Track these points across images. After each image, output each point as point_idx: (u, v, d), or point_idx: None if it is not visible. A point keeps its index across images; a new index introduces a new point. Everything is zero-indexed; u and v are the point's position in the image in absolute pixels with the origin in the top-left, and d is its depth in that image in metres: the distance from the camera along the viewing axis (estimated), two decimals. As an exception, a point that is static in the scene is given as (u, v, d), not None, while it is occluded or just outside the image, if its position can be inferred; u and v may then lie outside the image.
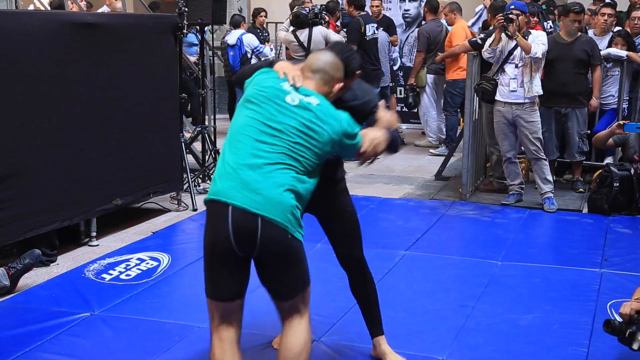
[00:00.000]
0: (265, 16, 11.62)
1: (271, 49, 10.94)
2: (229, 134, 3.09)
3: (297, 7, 8.91)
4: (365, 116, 3.44)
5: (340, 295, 4.61)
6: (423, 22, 9.97)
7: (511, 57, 6.65)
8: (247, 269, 3.08)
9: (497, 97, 6.76)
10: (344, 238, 3.70)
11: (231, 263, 3.03)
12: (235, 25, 10.57)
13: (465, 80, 7.43)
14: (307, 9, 8.80)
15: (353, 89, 3.40)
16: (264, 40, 11.40)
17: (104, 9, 9.39)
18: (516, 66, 6.64)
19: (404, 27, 11.03)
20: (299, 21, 8.53)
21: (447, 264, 5.17)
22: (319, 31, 8.52)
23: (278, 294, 3.16)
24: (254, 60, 10.25)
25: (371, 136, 3.26)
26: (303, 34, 8.50)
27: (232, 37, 10.18)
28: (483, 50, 6.85)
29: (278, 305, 3.19)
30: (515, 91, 6.65)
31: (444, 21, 9.62)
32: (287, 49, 9.31)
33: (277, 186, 2.93)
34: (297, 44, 8.48)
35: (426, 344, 4.00)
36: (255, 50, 10.14)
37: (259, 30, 11.18)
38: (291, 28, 8.71)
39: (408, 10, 11.02)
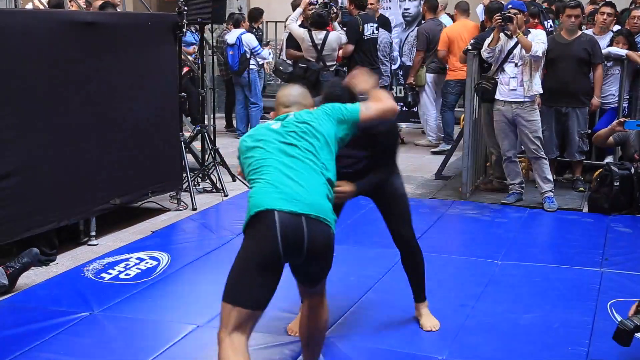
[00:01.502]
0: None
1: (269, 53, 10.91)
2: (250, 170, 3.26)
3: (312, 6, 8.71)
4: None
5: (340, 294, 4.61)
6: (422, 22, 9.95)
7: (511, 56, 6.64)
8: (279, 279, 3.14)
9: (497, 96, 6.76)
10: (395, 218, 4.07)
11: (269, 273, 3.09)
12: (236, 23, 10.56)
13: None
14: (315, 0, 8.70)
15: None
16: (259, 39, 11.39)
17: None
18: (516, 65, 6.63)
19: (404, 26, 11.01)
20: (320, 21, 8.42)
21: (447, 264, 5.16)
22: (335, 36, 8.46)
23: (309, 282, 3.35)
24: (252, 61, 10.23)
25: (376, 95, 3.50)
26: (319, 36, 8.42)
27: (231, 37, 10.18)
28: (482, 50, 6.84)
29: (304, 288, 3.41)
30: (515, 90, 6.64)
31: (442, 19, 9.60)
32: (287, 47, 9.26)
33: (315, 191, 3.14)
34: (311, 44, 8.40)
35: (426, 344, 4.00)
36: (253, 51, 10.13)
37: (254, 30, 11.17)
38: (297, 24, 8.58)
39: (408, 9, 10.99)
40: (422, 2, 10.28)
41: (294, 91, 3.50)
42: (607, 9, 7.79)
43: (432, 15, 9.45)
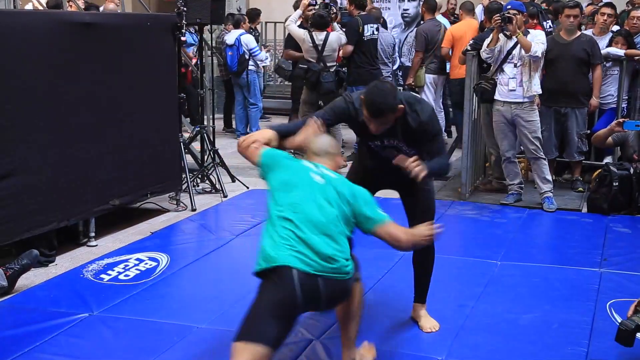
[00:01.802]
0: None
1: (266, 57, 10.87)
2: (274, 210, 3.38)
3: (312, 7, 8.70)
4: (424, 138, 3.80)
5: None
6: (422, 22, 9.95)
7: (510, 56, 6.65)
8: (292, 328, 3.33)
9: (496, 96, 6.76)
10: (417, 213, 4.02)
11: (285, 322, 3.24)
12: (236, 24, 10.55)
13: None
14: (314, 1, 8.69)
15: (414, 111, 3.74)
16: (256, 40, 11.37)
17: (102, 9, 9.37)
18: (515, 65, 6.63)
19: (403, 26, 11.02)
20: (322, 22, 8.41)
21: (446, 264, 5.16)
22: (335, 37, 8.47)
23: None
24: (251, 62, 10.22)
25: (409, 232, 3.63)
26: (320, 37, 8.42)
27: (230, 37, 10.18)
28: (481, 50, 6.84)
29: None
30: (514, 90, 6.64)
31: (439, 18, 9.60)
32: (285, 47, 9.27)
33: (330, 249, 3.28)
34: (311, 45, 8.40)
35: (425, 344, 4.00)
36: (251, 52, 10.11)
37: (251, 30, 11.17)
38: (295, 24, 8.58)
39: (407, 9, 10.99)
40: (422, 3, 10.28)
41: (325, 141, 3.63)
42: (608, 10, 7.80)
43: (431, 16, 9.44)
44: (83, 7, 8.42)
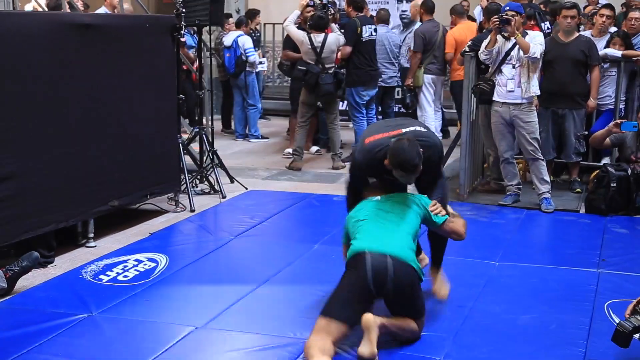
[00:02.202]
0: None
1: (261, 62, 10.80)
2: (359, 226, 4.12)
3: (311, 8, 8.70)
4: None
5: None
6: (420, 23, 9.96)
7: (508, 57, 6.66)
8: (367, 309, 3.87)
9: (495, 97, 6.77)
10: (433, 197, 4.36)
11: (361, 302, 3.87)
12: (238, 24, 10.57)
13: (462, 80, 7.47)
14: (313, 2, 8.69)
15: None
16: (256, 41, 11.37)
17: (102, 10, 9.37)
18: (513, 67, 6.64)
19: (401, 27, 11.03)
20: (320, 24, 8.41)
21: (445, 265, 5.15)
22: (334, 38, 8.48)
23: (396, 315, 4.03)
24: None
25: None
26: (318, 38, 8.43)
27: (228, 39, 10.19)
28: (479, 52, 6.85)
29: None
30: (512, 91, 6.65)
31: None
32: (284, 48, 9.27)
33: (401, 242, 4.02)
34: (310, 47, 8.40)
35: (424, 345, 4.00)
36: (245, 52, 10.10)
37: (252, 31, 11.17)
38: (292, 26, 8.58)
39: (405, 11, 11.01)
40: (419, 4, 10.32)
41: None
42: (606, 11, 7.81)
43: (429, 17, 9.47)
44: (82, 9, 8.42)
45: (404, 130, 4.20)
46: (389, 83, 9.56)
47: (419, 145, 4.06)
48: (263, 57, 11.35)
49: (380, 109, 9.64)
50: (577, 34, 7.36)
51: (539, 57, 6.55)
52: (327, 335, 3.73)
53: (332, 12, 8.73)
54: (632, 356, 3.90)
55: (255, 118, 10.53)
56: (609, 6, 8.08)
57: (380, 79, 9.26)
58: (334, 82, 8.42)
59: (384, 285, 3.86)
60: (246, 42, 10.16)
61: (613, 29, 8.02)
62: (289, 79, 10.08)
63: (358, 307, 3.82)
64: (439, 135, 9.57)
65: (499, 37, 6.61)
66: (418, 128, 4.29)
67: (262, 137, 10.58)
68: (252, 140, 10.48)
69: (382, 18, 9.57)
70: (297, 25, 8.70)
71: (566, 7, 7.22)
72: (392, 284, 3.85)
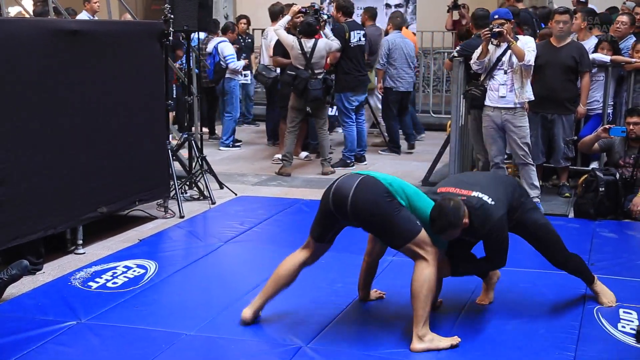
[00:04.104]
0: (246, 23, 11.59)
1: (244, 75, 10.67)
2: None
3: (299, 14, 8.78)
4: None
5: (329, 301, 4.62)
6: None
7: (500, 63, 6.66)
8: (334, 224, 4.15)
9: (487, 102, 6.77)
10: (546, 249, 4.53)
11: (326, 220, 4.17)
12: (224, 30, 10.55)
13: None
14: (305, 9, 8.72)
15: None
16: (247, 47, 11.34)
17: (83, 15, 9.36)
18: (505, 72, 6.65)
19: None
20: (309, 30, 8.44)
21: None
22: (324, 44, 8.51)
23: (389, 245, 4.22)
24: (229, 70, 10.16)
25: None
26: (308, 44, 8.44)
27: (210, 45, 10.12)
28: (471, 62, 6.85)
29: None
30: (504, 97, 6.65)
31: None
32: (274, 54, 9.27)
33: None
34: (300, 52, 8.42)
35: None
36: (225, 59, 10.05)
37: (240, 38, 11.15)
38: (283, 30, 8.59)
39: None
40: (409, 10, 10.44)
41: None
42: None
43: (371, 22, 10.01)
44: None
45: (474, 193, 4.12)
46: (407, 88, 9.92)
47: (462, 212, 3.99)
48: (256, 60, 11.28)
49: (396, 113, 10.00)
50: (569, 40, 7.38)
51: (532, 63, 6.56)
52: (305, 248, 4.25)
53: (324, 18, 8.76)
54: (622, 360, 3.92)
55: (230, 126, 10.36)
56: (627, 13, 8.08)
57: (399, 84, 9.76)
58: (323, 87, 8.44)
59: (344, 205, 3.96)
60: (225, 48, 10.08)
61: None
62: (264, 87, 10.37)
63: (326, 224, 4.15)
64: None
65: (490, 46, 6.60)
66: (485, 198, 4.11)
67: (234, 146, 10.38)
68: (222, 148, 10.26)
69: (397, 24, 9.94)
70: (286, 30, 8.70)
71: (559, 12, 7.23)
72: (351, 204, 3.93)
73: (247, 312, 4.28)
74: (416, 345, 3.97)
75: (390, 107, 9.86)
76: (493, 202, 4.12)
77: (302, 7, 8.72)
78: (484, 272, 4.54)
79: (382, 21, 11.12)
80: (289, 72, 8.49)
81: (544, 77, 7.18)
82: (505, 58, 6.62)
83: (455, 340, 4.04)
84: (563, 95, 7.23)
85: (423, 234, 4.00)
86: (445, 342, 4.01)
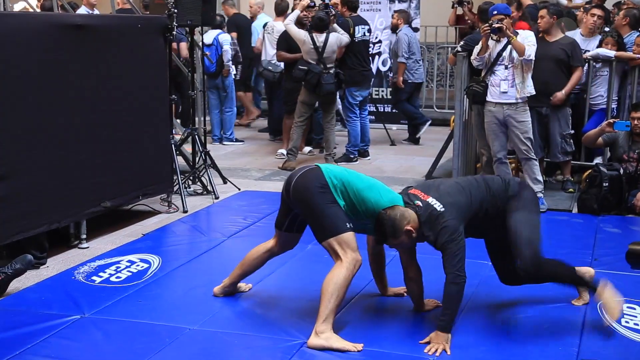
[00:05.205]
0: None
1: (235, 74, 10.50)
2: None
3: (309, 10, 8.76)
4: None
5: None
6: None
7: (500, 58, 6.65)
8: (289, 212, 4.32)
9: (488, 97, 6.77)
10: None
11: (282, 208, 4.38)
12: (221, 25, 10.45)
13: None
14: (313, 2, 8.73)
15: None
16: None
17: (82, 10, 9.36)
18: (506, 67, 6.64)
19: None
20: (321, 24, 8.44)
21: (438, 265, 5.15)
22: (335, 38, 8.52)
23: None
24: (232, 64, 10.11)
25: None
26: (320, 38, 8.43)
27: (208, 37, 9.93)
28: (472, 58, 6.85)
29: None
30: (506, 92, 6.65)
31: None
32: (278, 49, 9.25)
33: None
34: (312, 47, 8.42)
35: (417, 345, 4.00)
36: (223, 51, 9.81)
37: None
38: (293, 25, 8.57)
39: (398, 11, 11.01)
40: (413, 5, 10.38)
41: None
42: (598, 11, 7.81)
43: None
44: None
45: (429, 199, 4.08)
46: (421, 80, 10.36)
47: (403, 222, 3.99)
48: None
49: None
50: (562, 35, 7.37)
51: (533, 58, 6.54)
52: (274, 237, 4.49)
53: (333, 12, 8.75)
54: (624, 355, 3.92)
55: (232, 121, 10.31)
56: (600, 6, 8.08)
57: (417, 76, 10.15)
58: (335, 82, 8.46)
59: (288, 190, 4.19)
60: (224, 40, 9.86)
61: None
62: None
63: (282, 210, 4.36)
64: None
65: (490, 41, 6.59)
66: (435, 204, 4.06)
67: (237, 141, 10.38)
68: (226, 143, 10.23)
69: (407, 18, 10.29)
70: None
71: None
72: (292, 189, 4.14)
73: (216, 290, 4.69)
74: (312, 340, 3.95)
75: (401, 98, 10.21)
76: (443, 209, 4.04)
77: (311, 1, 8.72)
78: (453, 303, 4.07)
79: (386, 16, 11.10)
80: (300, 67, 8.48)
81: (537, 71, 7.13)
82: (506, 53, 6.61)
83: (358, 346, 3.91)
84: (555, 89, 7.18)
85: (348, 236, 4.02)
86: (342, 343, 3.91)
